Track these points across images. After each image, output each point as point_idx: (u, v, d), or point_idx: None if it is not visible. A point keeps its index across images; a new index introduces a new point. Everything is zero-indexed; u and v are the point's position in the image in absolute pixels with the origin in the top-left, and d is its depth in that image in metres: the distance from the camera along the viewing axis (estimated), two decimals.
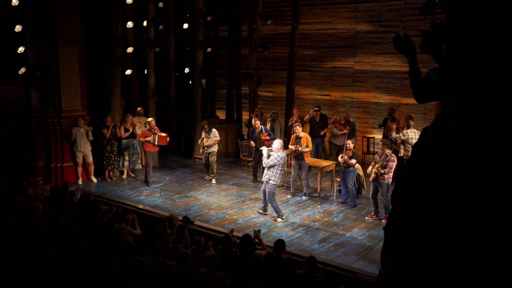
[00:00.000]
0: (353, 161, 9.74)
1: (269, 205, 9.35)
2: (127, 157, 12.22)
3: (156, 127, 11.47)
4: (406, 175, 3.85)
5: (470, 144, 3.04)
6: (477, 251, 3.06)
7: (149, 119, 11.67)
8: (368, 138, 13.33)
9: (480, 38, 3.04)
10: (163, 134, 11.49)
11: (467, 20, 3.10)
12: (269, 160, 9.04)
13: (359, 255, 7.69)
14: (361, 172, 10.42)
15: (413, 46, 3.36)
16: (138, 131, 12.31)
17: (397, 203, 3.84)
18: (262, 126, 11.71)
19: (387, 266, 3.76)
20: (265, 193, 9.26)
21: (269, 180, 9.08)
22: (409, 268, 3.52)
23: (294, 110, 13.34)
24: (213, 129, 11.84)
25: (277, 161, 8.96)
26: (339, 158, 9.99)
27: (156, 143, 11.21)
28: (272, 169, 9.05)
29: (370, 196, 9.29)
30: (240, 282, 5.65)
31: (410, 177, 3.74)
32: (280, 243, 6.53)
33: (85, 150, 11.71)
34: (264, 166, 9.29)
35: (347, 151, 9.77)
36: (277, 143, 9.16)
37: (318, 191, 10.72)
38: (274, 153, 9.07)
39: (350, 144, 9.83)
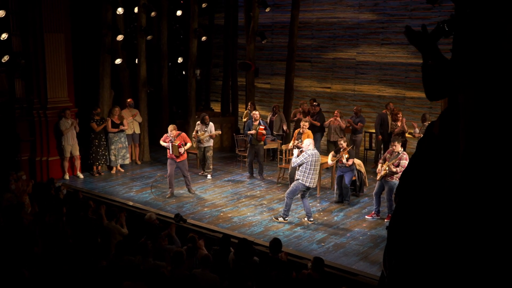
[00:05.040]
0: (350, 161, 9.79)
1: (305, 207, 9.15)
2: (113, 152, 12.20)
3: (176, 136, 10.20)
4: (410, 172, 3.85)
5: (485, 140, 3.01)
6: (488, 251, 3.06)
7: (170, 127, 10.35)
8: (371, 134, 13.35)
9: (494, 29, 2.99)
10: (177, 144, 10.16)
11: (480, 10, 3.05)
12: (297, 158, 8.98)
13: (360, 256, 7.71)
14: (362, 169, 10.45)
15: (428, 38, 3.32)
16: (127, 124, 12.30)
17: (402, 201, 3.84)
18: (260, 119, 11.73)
19: (390, 266, 3.76)
20: (301, 196, 9.15)
21: (298, 179, 8.96)
22: (413, 269, 3.52)
23: (300, 102, 13.36)
24: (211, 123, 11.85)
25: (304, 158, 8.82)
26: (329, 160, 10.08)
27: (171, 152, 10.22)
28: (301, 168, 8.91)
29: (374, 193, 9.26)
30: (235, 284, 5.66)
31: (415, 174, 3.74)
32: (276, 243, 6.52)
33: (72, 143, 11.71)
34: (292, 165, 9.38)
35: (342, 151, 9.80)
36: (308, 142, 9.08)
37: (318, 188, 10.75)
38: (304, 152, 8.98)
39: (342, 143, 9.84)
